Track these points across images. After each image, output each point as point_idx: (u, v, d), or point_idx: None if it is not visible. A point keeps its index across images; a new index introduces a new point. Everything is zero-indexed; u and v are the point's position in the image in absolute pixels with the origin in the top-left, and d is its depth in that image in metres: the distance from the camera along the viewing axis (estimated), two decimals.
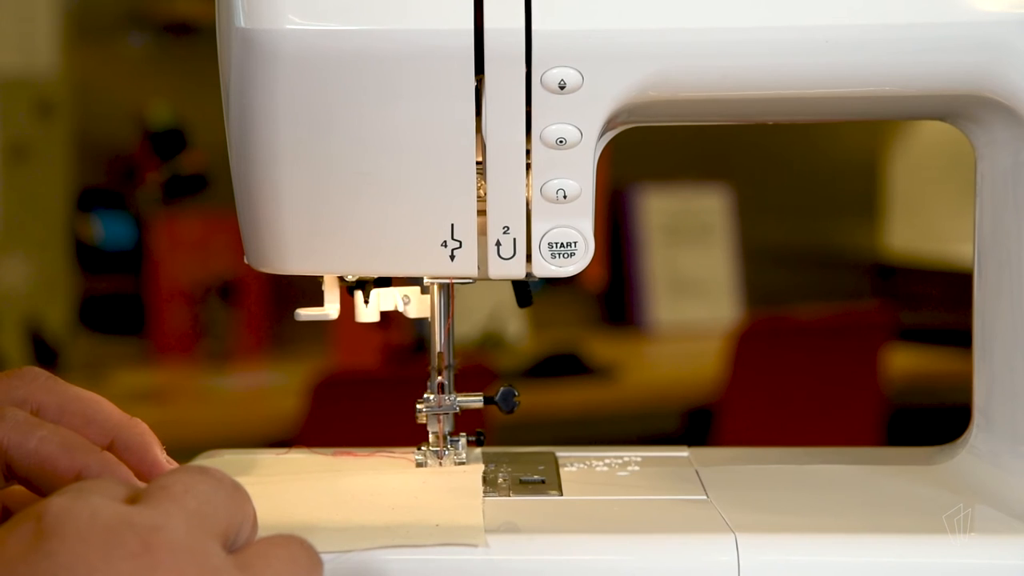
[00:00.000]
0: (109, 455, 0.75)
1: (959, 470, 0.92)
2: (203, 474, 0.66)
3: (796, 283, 4.33)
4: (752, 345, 3.27)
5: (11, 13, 3.16)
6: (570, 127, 0.84)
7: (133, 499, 0.64)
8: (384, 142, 0.84)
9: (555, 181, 0.85)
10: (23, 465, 0.73)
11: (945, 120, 0.92)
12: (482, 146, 0.84)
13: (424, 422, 0.93)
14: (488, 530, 0.80)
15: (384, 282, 0.92)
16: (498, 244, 0.85)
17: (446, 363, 0.92)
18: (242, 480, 0.69)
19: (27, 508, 0.63)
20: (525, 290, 0.93)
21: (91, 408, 0.78)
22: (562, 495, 0.89)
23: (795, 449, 1.00)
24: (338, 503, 0.85)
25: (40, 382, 0.78)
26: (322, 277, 0.92)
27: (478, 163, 0.84)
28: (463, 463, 0.92)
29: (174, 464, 0.79)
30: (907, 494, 0.90)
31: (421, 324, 0.95)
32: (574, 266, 0.87)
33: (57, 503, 0.62)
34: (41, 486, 0.74)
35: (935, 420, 2.32)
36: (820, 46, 0.84)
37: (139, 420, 0.79)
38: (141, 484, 0.73)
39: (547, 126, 0.84)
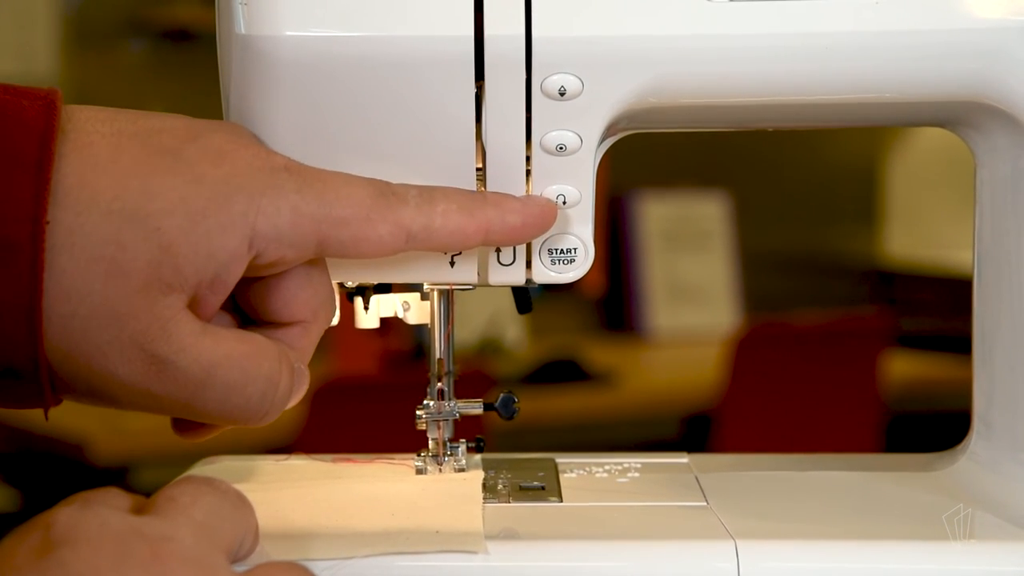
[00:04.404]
0: (492, 194, 0.79)
1: (959, 477, 0.92)
2: (208, 485, 0.66)
3: (795, 289, 4.34)
4: (751, 351, 3.27)
5: (10, 20, 3.16)
6: (570, 133, 0.84)
7: (139, 510, 0.64)
8: (384, 148, 0.83)
9: (555, 187, 0.85)
10: (426, 244, 0.76)
11: (944, 126, 0.92)
12: (482, 152, 0.84)
13: (424, 428, 0.93)
14: (488, 536, 0.80)
15: (384, 288, 0.92)
16: (498, 250, 0.85)
17: (446, 369, 0.92)
18: (241, 486, 0.69)
19: (33, 518, 0.63)
20: (525, 296, 0.92)
21: None
22: (562, 501, 0.89)
23: (794, 456, 1.00)
24: (337, 509, 0.85)
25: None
26: None
27: (478, 169, 0.84)
28: (463, 469, 0.92)
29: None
30: (906, 501, 0.90)
31: (421, 330, 0.95)
32: (574, 272, 0.87)
33: (65, 513, 0.62)
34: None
35: (934, 426, 2.32)
36: (820, 52, 0.84)
37: None
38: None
39: (547, 132, 0.84)
